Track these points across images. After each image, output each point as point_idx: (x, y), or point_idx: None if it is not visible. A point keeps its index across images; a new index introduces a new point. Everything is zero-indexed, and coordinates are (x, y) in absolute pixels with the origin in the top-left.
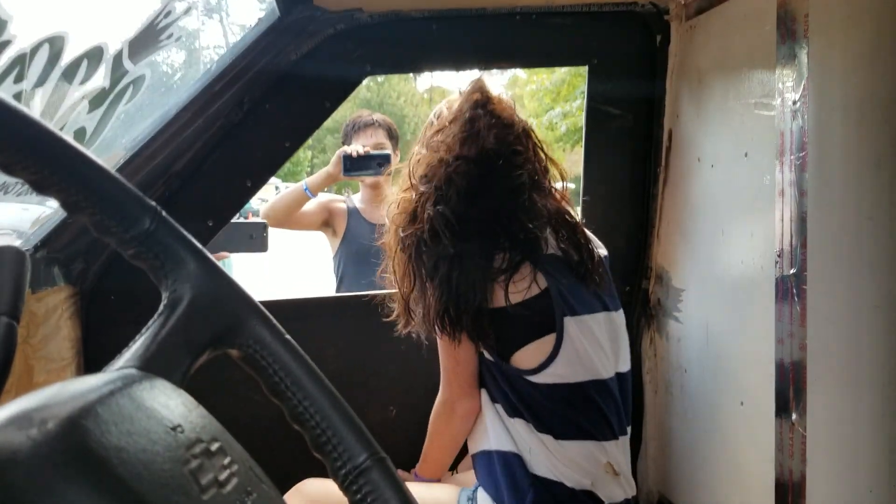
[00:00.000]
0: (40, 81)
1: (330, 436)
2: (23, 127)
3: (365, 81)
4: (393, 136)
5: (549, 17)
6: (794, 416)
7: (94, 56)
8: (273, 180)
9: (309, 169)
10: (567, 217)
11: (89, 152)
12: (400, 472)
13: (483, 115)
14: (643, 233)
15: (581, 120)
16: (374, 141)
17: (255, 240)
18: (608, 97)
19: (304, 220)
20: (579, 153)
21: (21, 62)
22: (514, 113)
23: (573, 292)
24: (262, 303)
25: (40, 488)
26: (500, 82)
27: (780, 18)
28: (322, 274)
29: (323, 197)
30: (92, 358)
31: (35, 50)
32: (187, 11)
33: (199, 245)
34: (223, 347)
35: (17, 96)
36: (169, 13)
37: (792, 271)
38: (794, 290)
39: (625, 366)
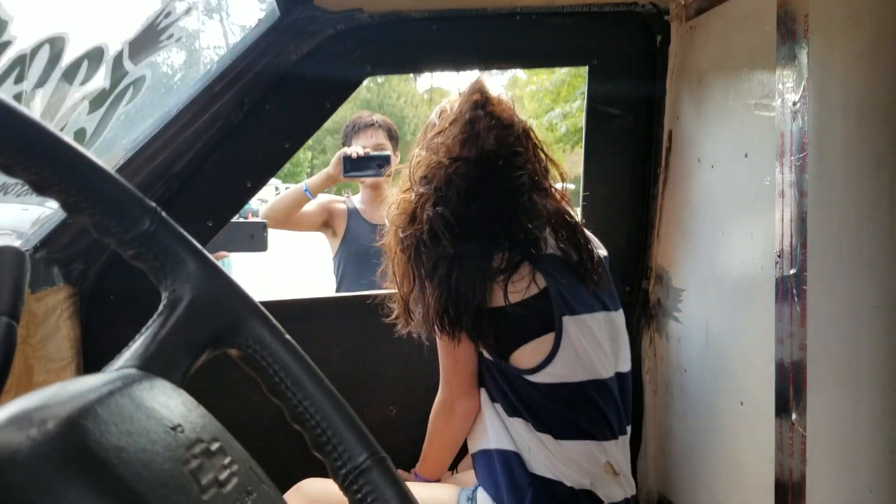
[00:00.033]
0: (41, 82)
1: (330, 435)
2: (23, 128)
3: (365, 82)
4: (393, 137)
5: (549, 18)
6: (793, 416)
7: (94, 57)
8: (273, 181)
9: (309, 170)
10: (567, 217)
11: (89, 153)
12: (400, 472)
13: (483, 116)
14: (643, 233)
15: (581, 121)
16: (374, 142)
17: (255, 239)
18: (608, 97)
19: (304, 221)
20: (579, 154)
21: (21, 63)
22: (513, 114)
23: (572, 292)
24: (266, 303)
25: (40, 488)
26: (499, 83)
27: (780, 19)
28: (322, 274)
29: (323, 198)
30: (91, 358)
31: (35, 51)
32: (187, 12)
33: (198, 245)
34: (223, 347)
35: (18, 97)
36: (169, 14)
37: (792, 271)
38: (794, 291)
39: (625, 366)
